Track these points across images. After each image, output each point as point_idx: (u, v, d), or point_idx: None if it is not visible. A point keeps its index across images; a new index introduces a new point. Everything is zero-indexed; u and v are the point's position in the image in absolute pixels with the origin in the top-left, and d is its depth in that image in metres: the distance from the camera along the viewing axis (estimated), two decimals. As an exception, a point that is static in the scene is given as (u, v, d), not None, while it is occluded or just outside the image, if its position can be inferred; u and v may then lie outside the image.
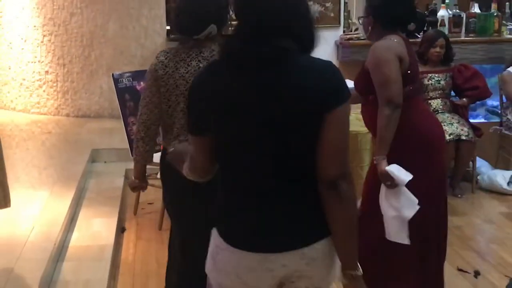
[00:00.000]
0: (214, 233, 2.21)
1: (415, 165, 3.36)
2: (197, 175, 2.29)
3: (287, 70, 2.02)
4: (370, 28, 3.61)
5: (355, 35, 6.92)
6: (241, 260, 2.12)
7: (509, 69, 6.37)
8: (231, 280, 2.17)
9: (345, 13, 7.16)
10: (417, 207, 3.33)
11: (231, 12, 3.14)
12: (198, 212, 2.96)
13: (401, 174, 3.27)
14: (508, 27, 7.09)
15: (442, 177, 3.67)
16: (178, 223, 3.36)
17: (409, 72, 3.49)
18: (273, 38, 2.01)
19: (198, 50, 3.04)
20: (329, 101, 2.00)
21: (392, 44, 3.46)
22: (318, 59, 2.10)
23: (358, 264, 2.15)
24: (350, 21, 7.16)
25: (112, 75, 5.60)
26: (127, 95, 5.49)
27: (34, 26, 8.27)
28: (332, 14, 6.96)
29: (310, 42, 2.10)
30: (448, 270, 4.30)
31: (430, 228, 3.62)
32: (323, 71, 2.04)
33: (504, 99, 6.50)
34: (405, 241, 3.34)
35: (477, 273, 4.48)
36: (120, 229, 5.18)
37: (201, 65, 3.00)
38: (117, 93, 5.51)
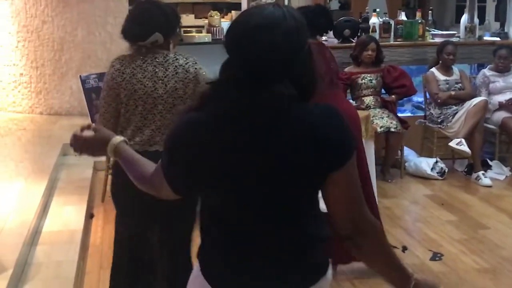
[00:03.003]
0: (201, 281, 1.77)
1: None
2: (151, 192, 1.89)
3: (288, 122, 1.59)
4: None
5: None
6: None
7: (432, 69, 6.46)
8: None
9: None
10: None
11: (179, 25, 3.12)
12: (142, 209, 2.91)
13: None
14: (430, 32, 7.17)
15: None
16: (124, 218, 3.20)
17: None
18: (273, 81, 1.55)
19: (153, 56, 2.92)
20: (333, 161, 1.61)
21: None
22: (320, 107, 1.65)
23: (409, 277, 1.72)
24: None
25: (80, 76, 5.52)
26: (93, 94, 5.38)
27: (9, 33, 8.10)
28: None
29: (310, 88, 1.65)
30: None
31: None
32: (326, 124, 1.61)
33: (428, 96, 6.58)
34: None
35: (404, 248, 4.51)
36: (89, 215, 5.11)
37: (157, 69, 2.89)
38: (84, 93, 5.43)
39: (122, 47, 3.12)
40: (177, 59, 2.93)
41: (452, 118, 6.28)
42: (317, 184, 1.66)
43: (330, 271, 1.80)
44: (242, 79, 1.55)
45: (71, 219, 4.81)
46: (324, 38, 6.99)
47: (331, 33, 6.90)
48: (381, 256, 1.74)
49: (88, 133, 1.91)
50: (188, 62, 2.93)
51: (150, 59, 2.91)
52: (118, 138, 1.91)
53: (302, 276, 1.73)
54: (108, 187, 5.42)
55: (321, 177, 1.63)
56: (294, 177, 1.62)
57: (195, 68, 2.93)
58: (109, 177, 5.42)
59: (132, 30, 2.93)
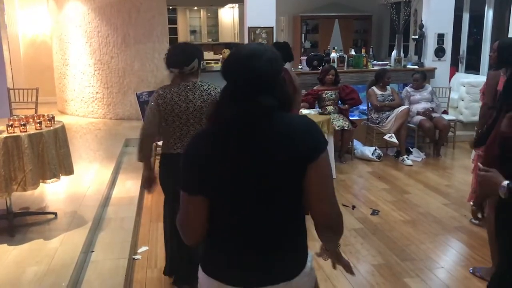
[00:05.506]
0: (202, 277, 1.50)
1: None
2: (187, 236, 1.48)
3: (272, 127, 1.38)
4: None
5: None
6: None
7: (372, 87, 6.42)
8: None
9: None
10: None
11: (203, 58, 2.88)
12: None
13: None
14: (371, 62, 7.13)
15: None
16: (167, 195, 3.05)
17: None
18: (259, 96, 1.37)
19: (185, 84, 2.74)
20: (311, 153, 1.36)
21: None
22: (295, 115, 1.48)
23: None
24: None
25: (136, 94, 5.54)
26: (145, 105, 5.37)
27: (89, 65, 8.08)
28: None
29: (288, 102, 1.44)
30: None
31: None
32: (303, 127, 1.39)
33: (369, 105, 6.56)
34: None
35: (353, 207, 4.51)
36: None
37: (188, 94, 2.73)
38: (139, 104, 5.45)
39: (163, 74, 3.05)
40: (202, 85, 2.77)
41: (386, 120, 6.25)
42: (299, 175, 1.37)
43: (310, 259, 1.50)
44: (238, 95, 1.38)
45: (131, 188, 4.83)
46: (300, 67, 7.00)
47: (304, 62, 6.93)
48: (334, 240, 1.54)
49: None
50: (210, 88, 2.77)
51: (183, 87, 2.75)
52: None
53: (287, 268, 1.44)
54: (156, 168, 5.45)
55: (301, 168, 1.36)
56: (280, 169, 1.36)
57: (215, 92, 2.76)
58: (156, 162, 5.46)
59: (179, 58, 2.75)
